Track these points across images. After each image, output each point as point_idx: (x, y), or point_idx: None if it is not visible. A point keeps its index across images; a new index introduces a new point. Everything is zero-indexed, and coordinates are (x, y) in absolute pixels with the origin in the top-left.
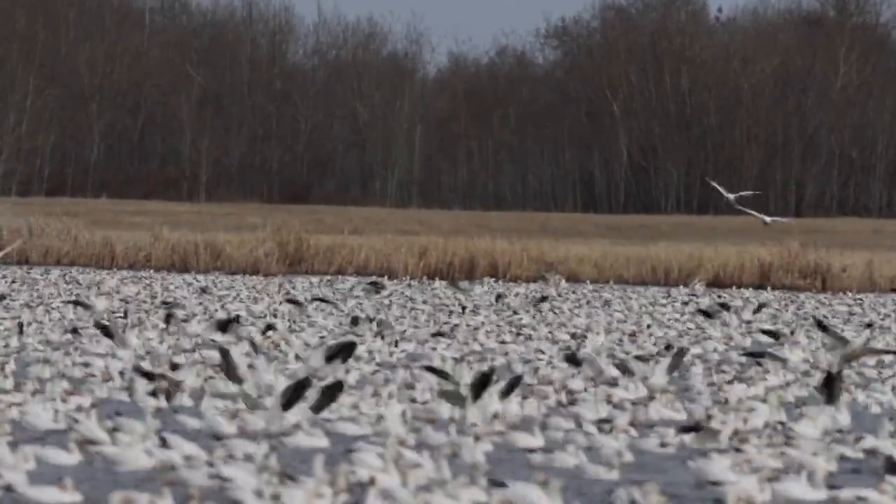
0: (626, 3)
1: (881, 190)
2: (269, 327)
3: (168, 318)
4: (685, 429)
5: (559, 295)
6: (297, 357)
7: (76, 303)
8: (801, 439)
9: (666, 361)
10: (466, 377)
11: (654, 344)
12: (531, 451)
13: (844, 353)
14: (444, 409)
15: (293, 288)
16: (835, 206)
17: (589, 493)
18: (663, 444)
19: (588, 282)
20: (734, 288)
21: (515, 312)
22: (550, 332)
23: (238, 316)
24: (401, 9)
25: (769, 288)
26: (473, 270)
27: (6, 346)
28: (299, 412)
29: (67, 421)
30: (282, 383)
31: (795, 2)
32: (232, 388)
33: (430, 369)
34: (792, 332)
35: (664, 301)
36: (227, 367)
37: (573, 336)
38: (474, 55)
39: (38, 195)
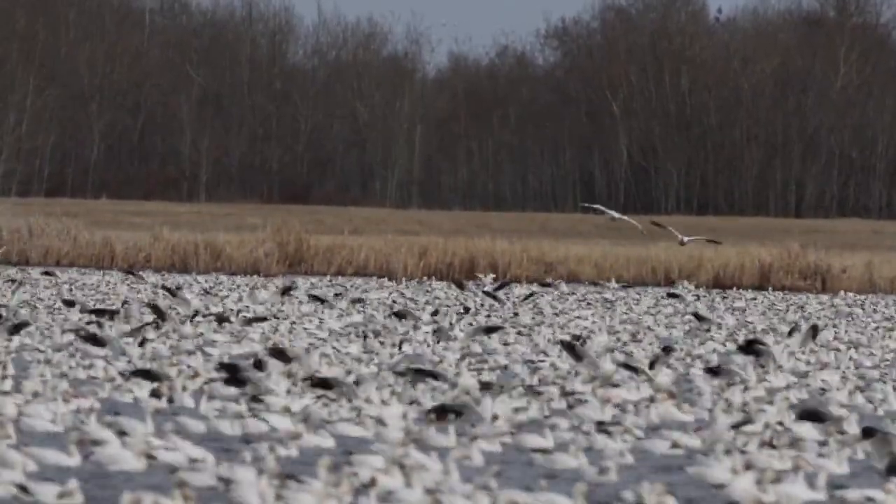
0: (626, 3)
1: (881, 190)
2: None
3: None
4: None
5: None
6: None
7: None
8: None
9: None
10: (467, 378)
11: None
12: (542, 451)
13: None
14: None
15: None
16: (835, 206)
17: (595, 493)
18: (675, 446)
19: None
20: (734, 289)
21: (516, 313)
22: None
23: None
24: (401, 9)
25: (769, 289)
26: (473, 270)
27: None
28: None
29: (68, 421)
30: None
31: (795, 2)
32: (232, 390)
33: (423, 372)
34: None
35: (665, 302)
36: None
37: (576, 337)
38: (474, 55)
39: (38, 195)
